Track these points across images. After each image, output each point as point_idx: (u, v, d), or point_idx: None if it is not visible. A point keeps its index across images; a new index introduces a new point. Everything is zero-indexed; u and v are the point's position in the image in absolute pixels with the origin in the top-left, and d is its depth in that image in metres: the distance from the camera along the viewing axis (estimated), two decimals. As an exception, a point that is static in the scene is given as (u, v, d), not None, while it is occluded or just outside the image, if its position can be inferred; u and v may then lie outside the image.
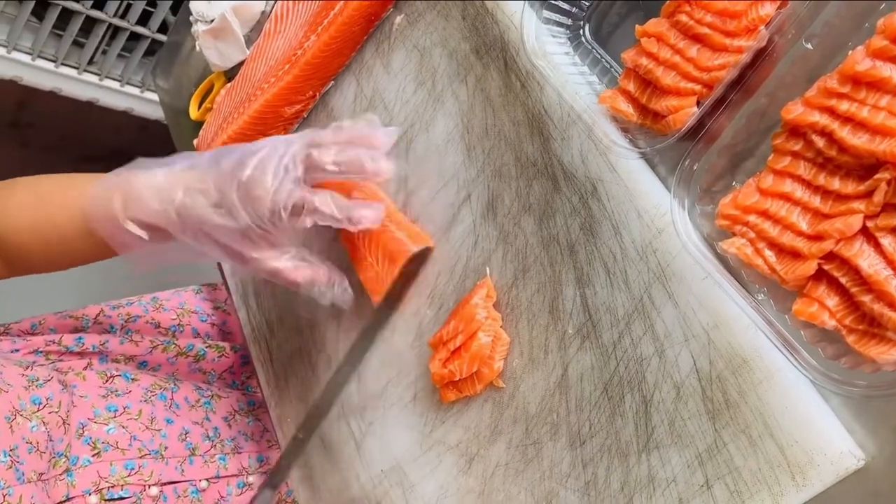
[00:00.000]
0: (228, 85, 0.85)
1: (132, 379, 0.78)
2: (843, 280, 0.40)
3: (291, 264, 0.61)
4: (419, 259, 0.62)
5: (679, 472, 0.46)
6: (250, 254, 0.60)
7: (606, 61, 0.56)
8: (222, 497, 0.76)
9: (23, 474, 0.63)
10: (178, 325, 0.88)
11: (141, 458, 0.72)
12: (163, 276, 0.66)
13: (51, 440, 0.67)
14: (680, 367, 0.47)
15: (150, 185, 0.60)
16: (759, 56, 0.45)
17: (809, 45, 0.43)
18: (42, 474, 0.65)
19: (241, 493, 0.78)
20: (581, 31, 0.57)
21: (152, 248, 0.63)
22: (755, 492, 0.43)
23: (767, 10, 0.45)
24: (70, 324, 0.81)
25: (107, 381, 0.76)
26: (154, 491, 0.71)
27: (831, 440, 0.41)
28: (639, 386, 0.49)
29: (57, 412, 0.68)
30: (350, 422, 0.70)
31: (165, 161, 0.63)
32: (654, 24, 0.49)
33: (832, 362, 0.40)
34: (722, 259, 0.45)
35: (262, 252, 0.60)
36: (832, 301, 0.40)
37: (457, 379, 0.58)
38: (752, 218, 0.43)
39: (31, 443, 0.65)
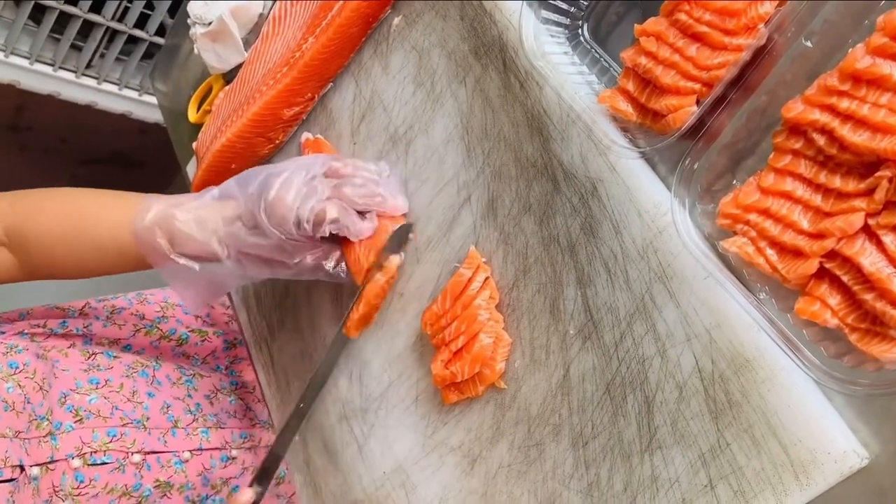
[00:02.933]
0: (227, 87, 0.85)
1: (114, 357, 0.80)
2: (844, 278, 0.40)
3: (330, 260, 0.67)
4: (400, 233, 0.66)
5: (682, 472, 0.46)
6: (291, 261, 0.66)
7: (605, 61, 0.55)
8: (206, 469, 0.78)
9: None
10: (162, 316, 0.89)
11: (123, 426, 0.74)
12: (154, 276, 0.68)
13: (29, 402, 0.69)
14: (682, 367, 0.47)
15: (191, 220, 0.66)
16: (759, 54, 0.45)
17: (809, 43, 0.42)
18: (20, 432, 0.67)
19: (226, 466, 0.80)
20: (580, 31, 0.57)
21: (203, 276, 0.67)
22: (759, 491, 0.43)
23: (767, 8, 0.45)
24: (57, 314, 0.83)
25: (89, 357, 0.78)
26: (136, 458, 0.73)
27: (835, 439, 0.41)
28: (641, 386, 0.48)
29: (33, 378, 0.71)
30: (352, 424, 0.70)
31: (196, 195, 0.68)
32: (652, 23, 0.49)
33: (835, 361, 0.40)
34: (723, 258, 0.45)
35: (299, 256, 0.66)
36: (834, 299, 0.40)
37: (458, 380, 0.57)
38: (753, 217, 0.43)
39: (6, 402, 0.67)
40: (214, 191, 0.68)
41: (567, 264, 0.53)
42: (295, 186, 0.63)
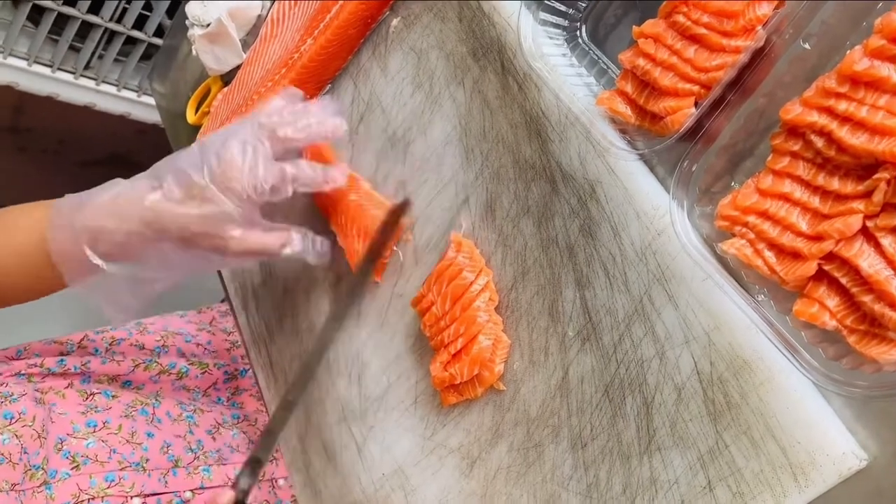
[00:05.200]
0: (225, 89, 0.85)
1: (113, 396, 0.78)
2: (843, 280, 0.40)
3: (273, 235, 0.63)
4: (394, 216, 0.65)
5: (681, 474, 0.46)
6: (231, 234, 0.61)
7: (604, 62, 0.55)
8: None
9: None
10: (163, 346, 0.87)
11: (121, 470, 0.72)
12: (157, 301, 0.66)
13: (25, 453, 0.67)
14: (681, 369, 0.47)
15: (109, 213, 0.61)
16: (757, 56, 0.45)
17: (807, 45, 0.42)
18: (15, 485, 0.65)
19: None
20: (578, 33, 0.57)
21: (125, 280, 0.63)
22: (758, 493, 0.43)
23: (765, 10, 0.45)
24: (55, 349, 0.81)
25: (87, 398, 0.76)
26: (136, 502, 0.71)
27: (833, 441, 0.41)
28: (640, 388, 0.48)
29: (31, 426, 0.68)
30: (351, 426, 0.70)
31: (104, 187, 0.64)
32: (651, 25, 0.49)
33: (833, 363, 0.40)
34: (722, 260, 0.45)
35: (242, 231, 0.61)
36: (833, 301, 0.40)
37: (457, 382, 0.57)
38: (751, 218, 0.43)
39: (2, 454, 0.65)
40: (126, 182, 0.63)
41: (566, 266, 0.53)
42: (237, 148, 0.59)
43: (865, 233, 0.39)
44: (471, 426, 0.59)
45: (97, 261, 0.61)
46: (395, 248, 0.65)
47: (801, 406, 0.42)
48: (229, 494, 0.59)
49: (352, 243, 0.66)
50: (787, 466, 0.42)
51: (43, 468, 0.68)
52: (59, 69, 1.50)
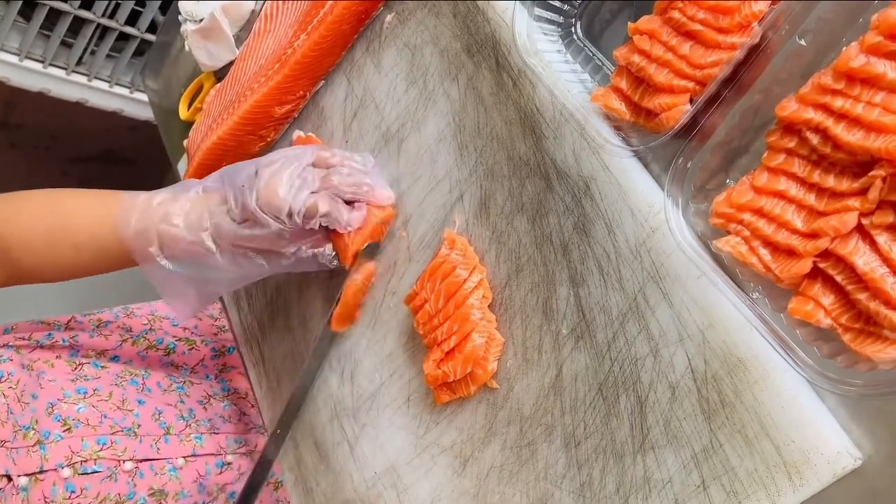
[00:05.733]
0: (218, 85, 0.85)
1: (101, 367, 0.79)
2: (838, 278, 0.40)
3: (323, 247, 0.67)
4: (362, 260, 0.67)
5: (675, 472, 0.46)
6: (287, 250, 0.65)
7: (598, 59, 0.55)
8: (201, 475, 0.77)
9: None
10: (150, 328, 0.88)
11: (113, 434, 0.73)
12: (141, 289, 0.68)
13: (11, 413, 0.67)
14: (675, 367, 0.46)
15: (178, 221, 0.65)
16: (753, 53, 0.45)
17: (803, 42, 0.42)
18: (5, 441, 0.66)
19: (221, 472, 0.78)
20: (573, 29, 0.57)
21: (193, 282, 0.67)
22: (752, 492, 0.43)
23: (760, 6, 0.45)
24: (42, 328, 0.82)
25: (76, 368, 0.77)
26: (129, 466, 0.72)
27: (828, 439, 0.41)
28: (634, 386, 0.48)
29: (15, 388, 0.70)
30: (343, 424, 0.69)
31: (175, 190, 0.68)
32: (646, 22, 0.49)
33: (828, 361, 0.40)
34: (716, 258, 0.45)
35: (294, 245, 0.65)
36: (827, 299, 0.40)
37: (451, 380, 0.57)
38: (746, 216, 0.43)
39: None
40: (198, 186, 0.67)
41: (560, 263, 0.53)
42: (287, 177, 0.63)
43: (861, 230, 0.39)
44: (464, 424, 0.58)
45: (164, 262, 0.66)
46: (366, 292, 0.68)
47: (795, 404, 0.42)
48: None
49: (343, 242, 0.66)
50: (781, 465, 0.42)
51: (34, 428, 0.69)
52: (50, 65, 1.49)
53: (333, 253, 0.67)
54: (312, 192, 0.63)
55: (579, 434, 0.51)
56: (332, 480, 0.71)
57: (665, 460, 0.46)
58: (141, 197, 0.68)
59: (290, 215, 0.62)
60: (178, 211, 0.66)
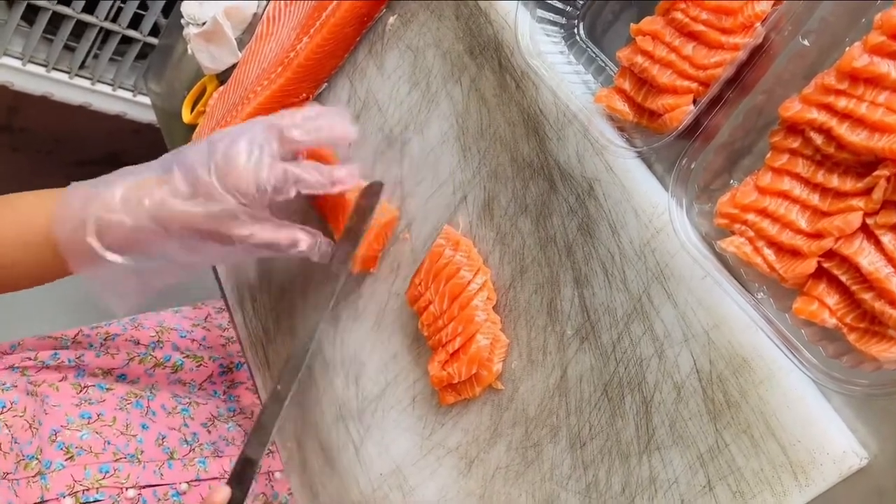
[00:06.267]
0: (221, 88, 0.85)
1: (107, 389, 0.78)
2: (843, 278, 0.40)
3: (283, 232, 0.62)
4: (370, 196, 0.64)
5: (681, 473, 0.46)
6: (239, 232, 0.60)
7: (601, 60, 0.55)
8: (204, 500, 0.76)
9: None
10: (157, 341, 0.86)
11: (116, 461, 0.72)
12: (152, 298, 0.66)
13: (16, 443, 0.67)
14: (680, 368, 0.46)
15: (116, 206, 0.60)
16: (756, 53, 0.45)
17: (806, 42, 0.42)
18: (8, 474, 0.65)
19: None
20: (575, 30, 0.57)
21: (132, 274, 0.63)
22: (758, 492, 0.43)
23: (763, 6, 0.45)
24: (49, 343, 0.80)
25: (80, 391, 0.76)
26: (131, 493, 0.71)
27: (834, 439, 0.41)
28: (639, 387, 0.48)
29: (22, 416, 0.68)
30: (349, 426, 0.69)
31: (112, 178, 0.63)
32: (648, 22, 0.49)
33: (833, 361, 0.40)
34: (721, 258, 0.45)
35: (250, 228, 0.61)
36: (832, 299, 0.40)
37: (455, 381, 0.57)
38: (750, 216, 0.43)
39: None
40: (143, 168, 0.63)
41: (564, 265, 0.53)
42: (245, 144, 0.59)
43: (865, 230, 0.39)
44: (469, 426, 0.58)
45: (103, 252, 0.61)
46: (367, 227, 0.64)
47: (801, 404, 0.42)
48: (225, 491, 0.58)
49: (337, 216, 0.66)
50: (787, 465, 0.42)
51: (37, 458, 0.68)
52: (54, 69, 1.50)
53: (317, 238, 0.63)
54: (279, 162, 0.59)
55: (585, 435, 0.51)
56: (338, 483, 0.71)
57: (671, 461, 0.46)
58: (75, 189, 0.63)
59: (258, 189, 0.58)
60: (117, 197, 0.61)
